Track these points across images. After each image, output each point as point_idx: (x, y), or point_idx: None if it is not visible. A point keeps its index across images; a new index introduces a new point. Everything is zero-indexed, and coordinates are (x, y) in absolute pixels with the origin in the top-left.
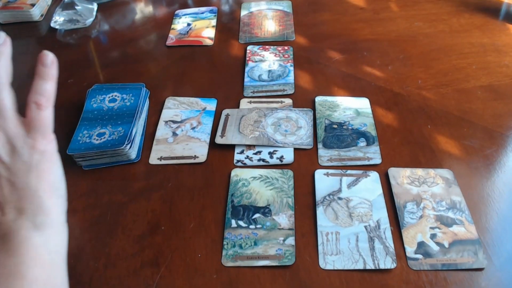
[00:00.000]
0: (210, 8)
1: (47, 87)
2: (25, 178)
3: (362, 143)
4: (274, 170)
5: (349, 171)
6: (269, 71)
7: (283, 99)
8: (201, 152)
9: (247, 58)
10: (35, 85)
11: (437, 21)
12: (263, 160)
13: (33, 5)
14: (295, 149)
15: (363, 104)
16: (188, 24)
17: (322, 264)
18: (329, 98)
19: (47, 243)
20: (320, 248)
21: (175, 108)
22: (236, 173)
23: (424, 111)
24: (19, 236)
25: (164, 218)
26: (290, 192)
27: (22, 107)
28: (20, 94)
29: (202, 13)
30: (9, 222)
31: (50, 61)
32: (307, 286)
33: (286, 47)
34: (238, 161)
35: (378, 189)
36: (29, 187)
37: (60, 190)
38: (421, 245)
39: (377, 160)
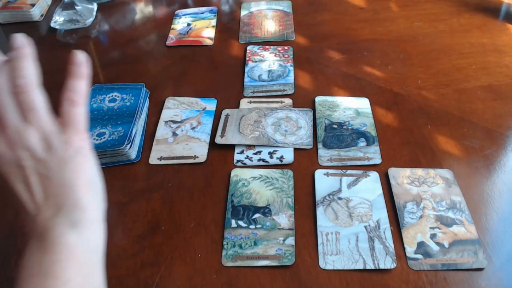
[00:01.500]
0: (210, 8)
1: (79, 84)
2: (61, 173)
3: (362, 143)
4: (274, 170)
5: (349, 171)
6: (269, 71)
7: (283, 99)
8: (201, 152)
9: (247, 58)
10: (67, 83)
11: (437, 21)
12: (263, 160)
13: (33, 5)
14: (295, 149)
15: (363, 104)
16: (188, 24)
17: (322, 264)
18: (329, 98)
19: (83, 242)
20: (320, 248)
21: (175, 108)
22: (236, 173)
23: (424, 111)
24: (55, 234)
25: (164, 218)
26: (290, 192)
27: None
28: None
29: (202, 13)
30: (46, 220)
31: (80, 60)
32: (307, 286)
33: (286, 47)
34: (238, 161)
35: (378, 189)
36: (65, 182)
37: (96, 187)
38: (421, 245)
39: (377, 160)
